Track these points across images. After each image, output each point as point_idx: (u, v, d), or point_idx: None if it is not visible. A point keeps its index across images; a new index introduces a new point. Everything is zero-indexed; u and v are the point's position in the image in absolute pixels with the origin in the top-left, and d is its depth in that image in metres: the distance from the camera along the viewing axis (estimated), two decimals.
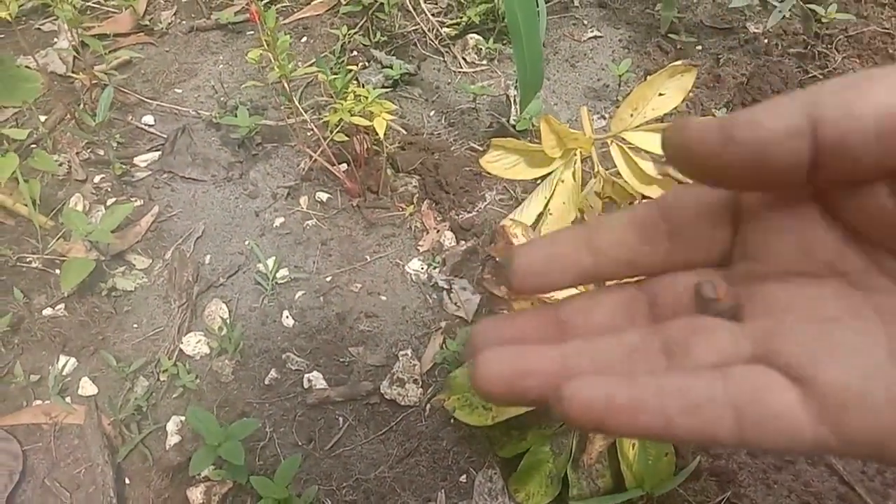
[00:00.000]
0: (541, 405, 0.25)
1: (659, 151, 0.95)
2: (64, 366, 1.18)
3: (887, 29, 1.48)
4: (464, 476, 1.05)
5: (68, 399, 1.16)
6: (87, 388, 1.17)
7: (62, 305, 1.25)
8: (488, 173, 1.04)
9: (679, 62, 0.93)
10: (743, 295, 0.26)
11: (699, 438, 0.23)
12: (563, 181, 0.97)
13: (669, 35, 1.54)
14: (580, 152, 0.97)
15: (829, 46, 1.47)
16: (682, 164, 0.25)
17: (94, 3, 1.78)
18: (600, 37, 1.59)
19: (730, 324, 0.25)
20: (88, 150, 1.47)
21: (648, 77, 0.96)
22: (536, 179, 1.01)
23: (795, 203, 0.25)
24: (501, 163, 0.97)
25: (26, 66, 1.33)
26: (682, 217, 0.27)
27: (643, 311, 0.28)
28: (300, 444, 1.09)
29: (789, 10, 1.45)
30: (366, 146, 1.32)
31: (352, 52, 1.59)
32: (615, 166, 1.02)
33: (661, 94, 0.93)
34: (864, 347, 0.22)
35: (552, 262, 0.27)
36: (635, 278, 0.28)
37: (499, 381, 0.24)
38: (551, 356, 0.25)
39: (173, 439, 1.11)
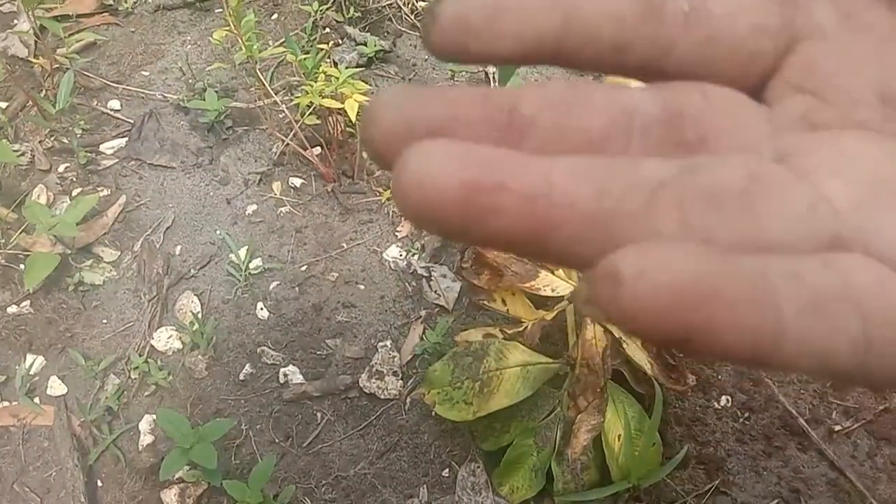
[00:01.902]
0: (501, 243, 0.15)
1: None
2: (31, 365, 1.14)
3: None
4: (446, 471, 1.02)
5: (36, 399, 1.12)
6: (56, 387, 1.13)
7: (27, 302, 1.20)
8: None
9: None
10: (798, 144, 0.17)
11: (814, 363, 0.14)
12: None
13: None
14: None
15: None
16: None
17: None
18: None
19: (796, 177, 0.16)
20: (52, 139, 1.41)
21: None
22: None
23: (878, 20, 0.18)
24: None
25: None
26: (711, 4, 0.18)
27: (654, 132, 0.17)
28: (277, 441, 1.06)
29: None
30: (340, 129, 1.27)
31: (324, 28, 1.53)
32: None
33: None
34: None
35: (500, 15, 0.17)
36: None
37: (445, 190, 0.14)
38: (532, 168, 0.15)
39: (146, 439, 1.07)
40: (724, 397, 1.04)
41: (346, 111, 1.14)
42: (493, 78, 1.39)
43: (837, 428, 1.01)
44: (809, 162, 0.17)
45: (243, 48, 1.16)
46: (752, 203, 0.16)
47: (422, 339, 1.11)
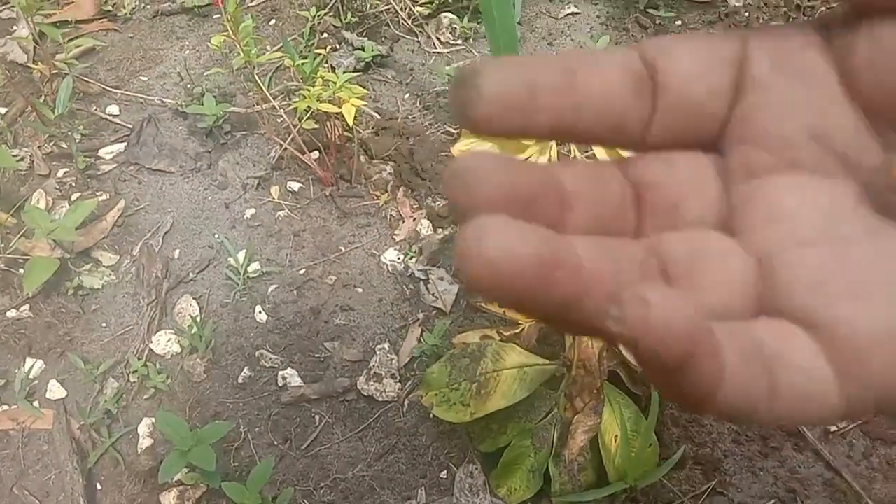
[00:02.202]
0: (554, 314, 0.17)
1: None
2: (30, 369, 1.15)
3: None
4: (444, 472, 1.02)
5: (36, 403, 1.12)
6: (55, 391, 1.13)
7: (27, 306, 1.21)
8: None
9: None
10: (740, 193, 0.21)
11: (740, 408, 0.17)
12: None
13: (648, 10, 1.50)
14: None
15: (810, 18, 1.44)
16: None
17: None
18: (578, 13, 1.54)
19: (732, 243, 0.20)
20: (51, 144, 1.42)
21: None
22: None
23: (806, 69, 0.20)
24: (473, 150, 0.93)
25: None
26: (673, 72, 0.21)
27: (629, 202, 0.21)
28: (275, 443, 1.06)
29: None
30: (337, 133, 1.28)
31: (322, 34, 1.54)
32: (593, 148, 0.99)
33: None
34: (884, 278, 0.18)
35: (531, 98, 0.19)
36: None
37: (522, 264, 0.16)
38: (575, 250, 0.18)
39: (145, 442, 1.08)
40: None
41: (343, 115, 1.15)
42: None
43: (833, 428, 1.01)
44: (748, 219, 0.20)
45: (241, 53, 1.17)
46: (695, 277, 0.20)
47: (419, 341, 1.11)
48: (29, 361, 1.15)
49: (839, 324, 0.18)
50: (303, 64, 1.24)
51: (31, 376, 1.14)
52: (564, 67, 0.20)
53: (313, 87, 1.15)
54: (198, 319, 1.16)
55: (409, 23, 1.55)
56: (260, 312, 1.18)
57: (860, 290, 0.18)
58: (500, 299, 0.17)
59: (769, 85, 0.20)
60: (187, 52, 1.56)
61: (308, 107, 1.14)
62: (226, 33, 1.17)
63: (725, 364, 0.17)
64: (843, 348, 0.18)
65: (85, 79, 1.51)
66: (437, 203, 1.26)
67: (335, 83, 1.14)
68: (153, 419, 1.09)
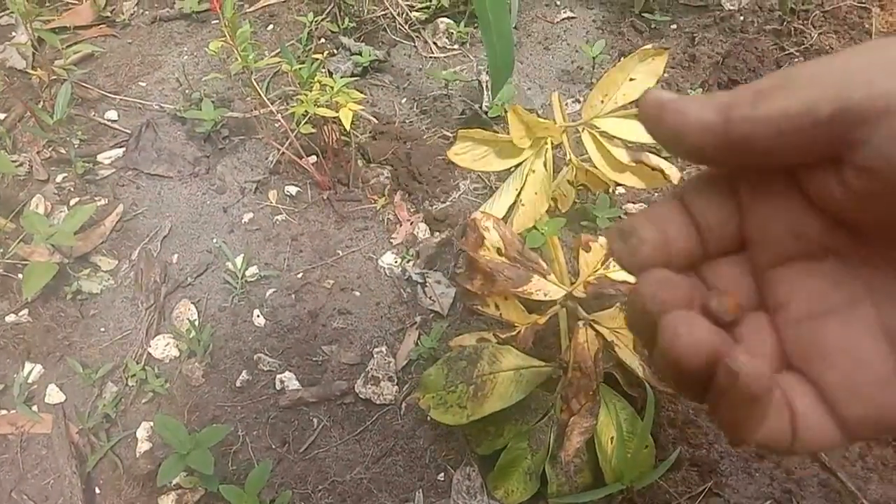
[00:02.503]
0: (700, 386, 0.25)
1: (630, 138, 0.92)
2: (29, 373, 1.15)
3: (863, 3, 1.45)
4: (441, 475, 1.03)
5: (35, 408, 1.13)
6: (54, 395, 1.14)
7: (25, 311, 1.21)
8: (456, 162, 1.01)
9: (649, 46, 0.90)
10: (762, 286, 0.28)
11: (771, 445, 0.26)
12: (534, 171, 0.95)
13: (644, 14, 1.51)
14: (551, 140, 0.94)
15: (805, 23, 1.44)
16: (676, 147, 0.26)
17: None
18: (573, 18, 1.55)
19: (767, 321, 0.28)
20: (50, 149, 1.42)
21: (621, 60, 0.93)
22: (510, 168, 0.98)
23: (783, 191, 0.27)
24: (470, 154, 0.94)
25: None
26: (703, 207, 0.28)
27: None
28: (273, 447, 1.06)
29: None
30: (335, 137, 1.29)
31: (319, 39, 1.55)
32: (587, 152, 0.99)
33: (631, 79, 0.90)
34: (848, 345, 0.25)
35: (664, 246, 0.28)
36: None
37: (700, 351, 0.24)
38: (726, 335, 0.26)
39: (144, 446, 1.08)
40: None
41: (340, 120, 1.16)
42: (486, 87, 1.41)
43: None
44: (768, 303, 0.28)
45: (239, 58, 1.17)
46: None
47: (417, 344, 1.12)
48: (28, 366, 1.16)
49: (822, 382, 0.26)
50: (300, 69, 1.25)
51: (29, 381, 1.15)
52: (687, 216, 0.29)
53: (311, 91, 1.15)
54: (196, 323, 1.17)
55: (406, 28, 1.56)
56: (258, 316, 1.18)
57: (831, 357, 0.26)
58: (678, 384, 0.26)
59: (757, 201, 0.28)
60: (185, 57, 1.57)
61: (305, 111, 1.15)
62: (223, 39, 1.17)
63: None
64: (828, 400, 0.25)
65: (83, 84, 1.52)
66: (434, 207, 1.27)
67: (332, 88, 1.15)
68: (152, 423, 1.09)
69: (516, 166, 0.97)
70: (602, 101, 0.91)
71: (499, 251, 0.95)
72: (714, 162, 0.27)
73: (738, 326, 0.27)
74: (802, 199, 0.26)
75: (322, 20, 1.56)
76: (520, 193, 0.96)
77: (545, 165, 0.95)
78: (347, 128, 1.14)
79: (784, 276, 0.27)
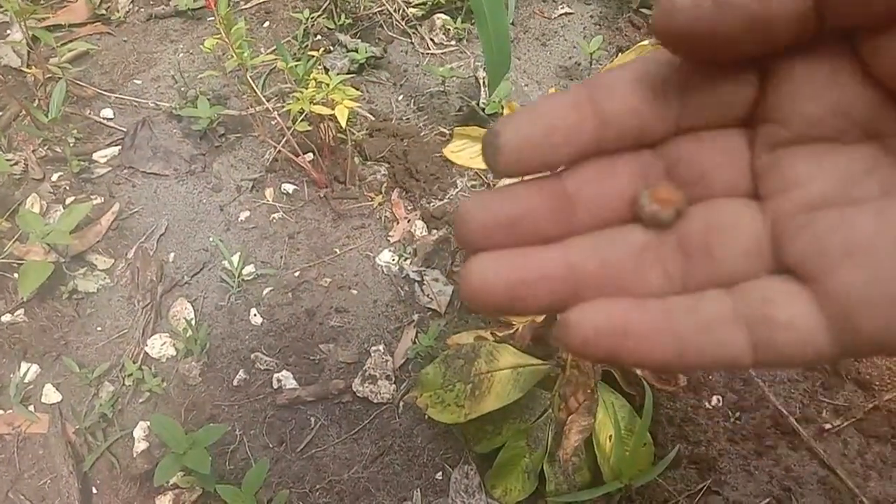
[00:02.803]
0: (541, 313, 0.23)
1: None
2: (25, 373, 1.15)
3: None
4: (439, 473, 1.02)
5: (31, 407, 1.12)
6: (51, 395, 1.13)
7: (21, 311, 1.20)
8: (453, 160, 1.00)
9: (647, 41, 0.90)
10: (763, 163, 0.23)
11: (715, 363, 0.21)
12: None
13: (641, 10, 1.50)
14: None
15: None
16: (675, 44, 0.22)
17: None
18: (571, 13, 1.54)
19: (752, 210, 0.23)
20: (45, 148, 1.42)
21: (618, 56, 0.92)
22: None
23: (829, 58, 0.22)
24: (466, 152, 0.93)
25: None
26: (698, 73, 0.23)
27: (657, 181, 0.24)
28: (271, 446, 1.06)
29: None
30: (331, 135, 1.28)
31: (315, 36, 1.54)
32: None
33: None
34: (882, 241, 0.20)
35: (549, 135, 0.23)
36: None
37: (495, 289, 0.22)
38: (555, 260, 0.23)
39: (140, 446, 1.08)
40: (714, 397, 1.05)
41: (336, 117, 1.15)
42: (483, 83, 1.40)
43: (828, 426, 1.02)
44: (768, 185, 0.23)
45: (234, 56, 1.16)
46: (710, 248, 0.23)
47: (414, 342, 1.11)
48: (24, 366, 1.15)
49: (835, 283, 0.21)
50: (296, 66, 1.24)
51: (26, 380, 1.14)
52: (588, 96, 0.23)
53: (307, 89, 1.15)
54: (192, 322, 1.16)
55: (403, 24, 1.55)
56: (255, 315, 1.18)
57: (859, 253, 0.21)
58: (492, 315, 0.27)
59: (793, 71, 0.22)
60: (181, 55, 1.56)
61: (301, 109, 1.14)
62: (219, 36, 1.17)
63: (681, 335, 0.21)
64: (836, 305, 0.21)
65: (79, 82, 1.51)
66: (432, 204, 1.26)
67: (328, 85, 1.14)
68: (148, 423, 1.09)
69: None
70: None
71: None
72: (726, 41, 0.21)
73: (685, 221, 0.23)
74: (854, 70, 0.22)
75: (318, 17, 1.55)
76: None
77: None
78: (343, 125, 1.13)
79: (804, 155, 0.23)
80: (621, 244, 0.23)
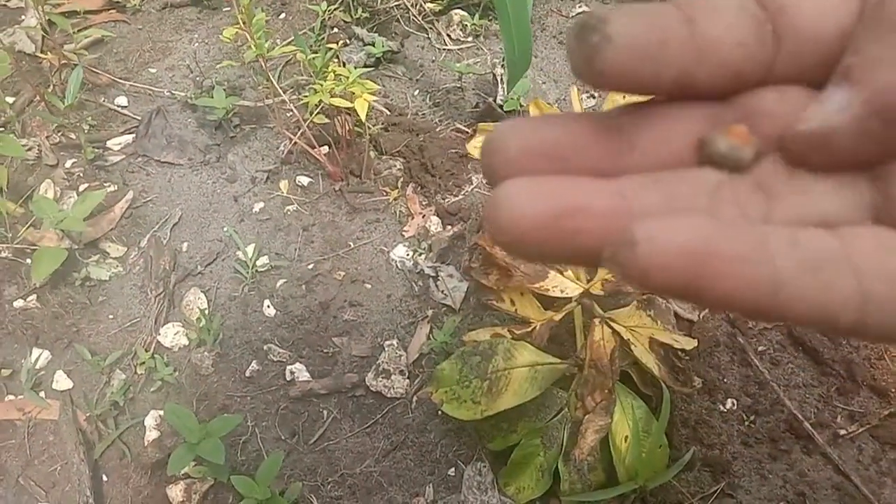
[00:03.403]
0: (588, 258, 0.18)
1: None
2: (37, 359, 1.14)
3: None
4: (452, 469, 1.02)
5: (42, 394, 1.12)
6: (62, 382, 1.13)
7: (34, 297, 1.20)
8: (473, 155, 1.00)
9: None
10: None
11: (812, 312, 0.17)
12: None
13: None
14: None
15: None
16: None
17: None
18: (588, 12, 1.54)
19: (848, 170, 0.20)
20: (59, 134, 1.41)
21: None
22: None
23: None
24: None
25: None
26: (798, 13, 0.20)
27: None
28: (283, 438, 1.06)
29: None
30: (348, 128, 1.28)
31: (332, 28, 1.53)
32: None
33: None
34: None
35: (661, 48, 0.18)
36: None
37: (532, 220, 0.18)
38: (610, 191, 0.18)
39: (152, 434, 1.07)
40: (729, 400, 1.05)
41: (354, 110, 1.15)
42: (500, 80, 1.40)
43: (843, 432, 1.01)
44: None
45: (253, 46, 1.16)
46: (803, 187, 0.19)
47: (429, 338, 1.11)
48: (36, 352, 1.15)
49: None
50: (314, 58, 1.24)
51: (37, 367, 1.14)
52: (686, 16, 0.19)
53: (325, 81, 1.14)
54: (206, 312, 1.16)
55: (420, 19, 1.54)
56: (268, 306, 1.17)
57: None
58: (526, 256, 0.18)
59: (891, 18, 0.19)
60: (196, 44, 1.56)
61: (319, 101, 1.13)
62: (238, 26, 1.16)
63: (779, 269, 0.17)
64: None
65: (93, 69, 1.51)
66: (447, 200, 1.26)
67: (347, 78, 1.14)
68: (160, 411, 1.08)
69: None
70: (624, 96, 0.90)
71: None
72: None
73: (764, 165, 0.20)
74: None
75: (335, 10, 1.55)
76: None
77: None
78: (363, 118, 1.13)
79: None
80: (691, 182, 0.19)
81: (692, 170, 0.20)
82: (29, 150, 1.37)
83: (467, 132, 1.35)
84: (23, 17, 1.65)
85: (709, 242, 0.16)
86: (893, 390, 1.04)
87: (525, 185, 0.18)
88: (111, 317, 1.19)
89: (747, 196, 0.19)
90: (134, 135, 1.41)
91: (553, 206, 0.18)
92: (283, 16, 1.59)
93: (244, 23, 1.14)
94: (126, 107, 1.46)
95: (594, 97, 1.39)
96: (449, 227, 1.23)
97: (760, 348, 1.09)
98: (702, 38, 0.19)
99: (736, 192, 0.19)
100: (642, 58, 0.18)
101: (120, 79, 1.50)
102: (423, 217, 1.25)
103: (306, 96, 1.20)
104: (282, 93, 1.27)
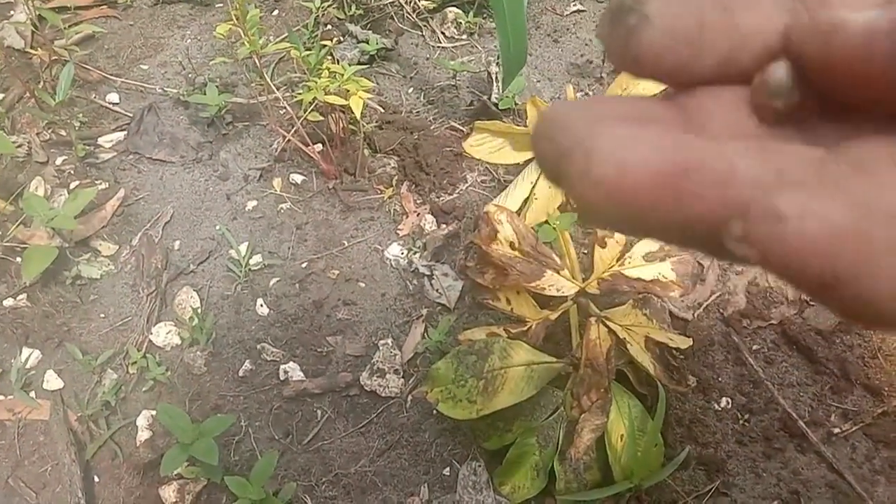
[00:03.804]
0: (697, 231, 0.15)
1: None
2: (27, 359, 1.13)
3: None
4: (447, 469, 1.02)
5: (32, 394, 1.11)
6: (53, 381, 1.12)
7: (24, 295, 1.19)
8: (469, 154, 1.00)
9: None
10: None
11: None
12: None
13: None
14: None
15: None
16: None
17: None
18: (583, 10, 1.54)
19: None
20: (49, 131, 1.40)
21: None
22: (521, 162, 0.97)
23: None
24: (486, 146, 0.93)
25: None
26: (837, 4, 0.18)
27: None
28: (277, 438, 1.05)
29: None
30: (342, 125, 1.27)
31: (326, 25, 1.52)
32: None
33: None
34: None
35: (700, 33, 0.17)
36: None
37: (637, 180, 0.15)
38: (719, 152, 0.16)
39: (144, 435, 1.06)
40: (724, 399, 1.05)
41: (348, 108, 1.14)
42: (495, 78, 1.39)
43: (836, 430, 1.02)
44: None
45: (247, 43, 1.15)
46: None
47: (423, 337, 1.11)
48: (26, 351, 1.14)
49: None
50: (308, 55, 1.23)
51: (27, 366, 1.13)
52: (723, 3, 0.17)
53: (319, 78, 1.13)
54: (198, 311, 1.15)
55: (414, 17, 1.54)
56: (261, 305, 1.17)
57: None
58: (616, 222, 0.16)
59: None
60: (189, 41, 1.54)
61: (314, 98, 1.13)
62: (231, 22, 1.15)
63: None
64: None
65: (84, 66, 1.49)
66: (441, 199, 1.26)
67: (342, 75, 1.13)
68: (152, 411, 1.07)
69: (531, 159, 0.96)
70: (622, 95, 0.90)
71: (511, 245, 0.94)
72: None
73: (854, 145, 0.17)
74: None
75: (329, 6, 1.54)
76: (534, 187, 0.95)
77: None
78: (358, 116, 1.12)
79: None
80: (793, 155, 0.17)
81: (787, 143, 0.18)
82: (19, 146, 1.36)
83: (462, 130, 1.34)
84: (12, 12, 1.63)
85: (862, 229, 0.14)
86: (886, 389, 1.04)
87: (625, 140, 0.15)
88: (102, 316, 1.18)
89: (850, 177, 0.17)
90: (125, 132, 1.39)
91: (666, 164, 0.15)
92: (276, 12, 1.58)
93: (238, 19, 1.13)
94: (117, 104, 1.44)
95: (588, 95, 1.38)
96: (444, 225, 1.23)
97: (755, 347, 1.09)
98: (739, 29, 0.18)
99: (838, 171, 0.17)
100: (683, 41, 0.17)
101: (111, 75, 1.49)
102: (418, 215, 1.24)
103: (300, 93, 1.19)
104: (275, 90, 1.26)
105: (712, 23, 0.17)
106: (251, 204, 1.28)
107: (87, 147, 1.35)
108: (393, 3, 1.56)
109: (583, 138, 0.15)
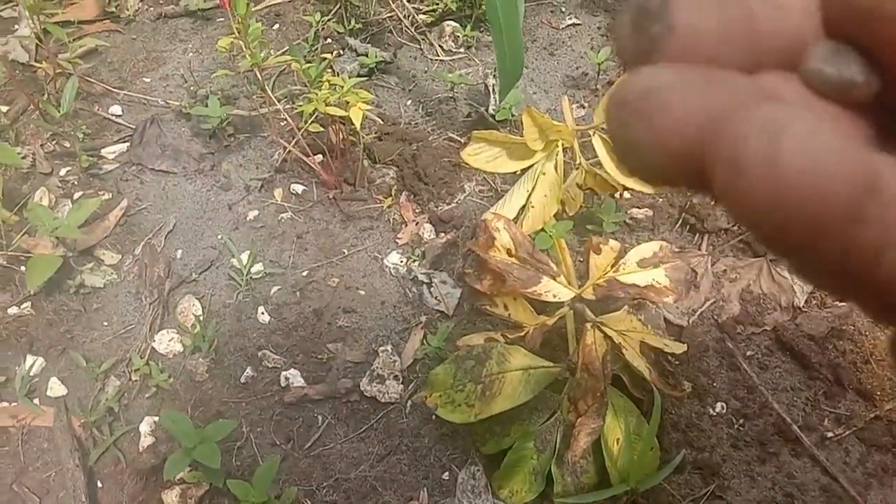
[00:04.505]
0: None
1: None
2: (31, 366, 1.14)
3: None
4: (446, 474, 1.03)
5: (36, 401, 1.12)
6: (56, 388, 1.13)
7: (28, 304, 1.20)
8: (467, 164, 1.02)
9: None
10: None
11: None
12: (544, 173, 0.96)
13: None
14: (562, 144, 0.95)
15: None
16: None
17: None
18: (579, 24, 1.56)
19: None
20: (53, 142, 1.42)
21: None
22: (518, 171, 0.99)
23: None
24: (483, 156, 0.95)
25: None
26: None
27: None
28: (278, 443, 1.06)
29: None
30: (342, 137, 1.29)
31: (325, 39, 1.55)
32: (596, 156, 1.01)
33: None
34: None
35: (722, 42, 0.16)
36: None
37: (687, 124, 0.14)
38: (805, 115, 0.14)
39: (147, 441, 1.08)
40: (719, 404, 1.06)
41: (348, 119, 1.16)
42: (492, 90, 1.42)
43: (830, 435, 1.03)
44: None
45: (248, 56, 1.17)
46: None
47: (422, 343, 1.12)
48: (30, 359, 1.15)
49: None
50: (309, 68, 1.25)
51: (31, 373, 1.14)
52: (745, 8, 0.16)
53: (320, 90, 1.16)
54: (200, 319, 1.16)
55: (413, 30, 1.56)
56: (262, 313, 1.18)
57: None
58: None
59: None
60: (190, 54, 1.57)
61: (314, 110, 1.15)
62: (233, 36, 1.18)
63: None
64: None
65: (88, 79, 1.52)
66: (440, 208, 1.28)
67: (342, 87, 1.15)
68: (155, 418, 1.09)
69: (527, 168, 0.98)
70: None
71: (509, 252, 0.96)
72: None
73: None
74: None
75: (328, 20, 1.56)
76: (531, 195, 0.97)
77: (556, 168, 0.96)
78: (357, 127, 1.15)
79: None
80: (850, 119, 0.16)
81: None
82: (23, 158, 1.38)
83: (460, 141, 1.37)
84: (16, 26, 1.66)
85: None
86: (879, 394, 1.06)
87: (675, 82, 0.14)
88: (106, 324, 1.19)
89: None
90: (128, 143, 1.41)
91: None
92: (276, 26, 1.61)
93: (239, 32, 1.16)
94: (120, 116, 1.47)
95: (583, 107, 1.41)
96: (442, 234, 1.25)
97: (749, 353, 1.11)
98: (762, 36, 0.17)
99: None
100: (701, 50, 0.16)
101: (114, 88, 1.51)
102: (417, 224, 1.26)
103: (300, 105, 1.21)
104: (276, 102, 1.29)
105: (735, 31, 0.16)
106: (252, 214, 1.30)
107: (91, 158, 1.37)
108: (392, 17, 1.59)
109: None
